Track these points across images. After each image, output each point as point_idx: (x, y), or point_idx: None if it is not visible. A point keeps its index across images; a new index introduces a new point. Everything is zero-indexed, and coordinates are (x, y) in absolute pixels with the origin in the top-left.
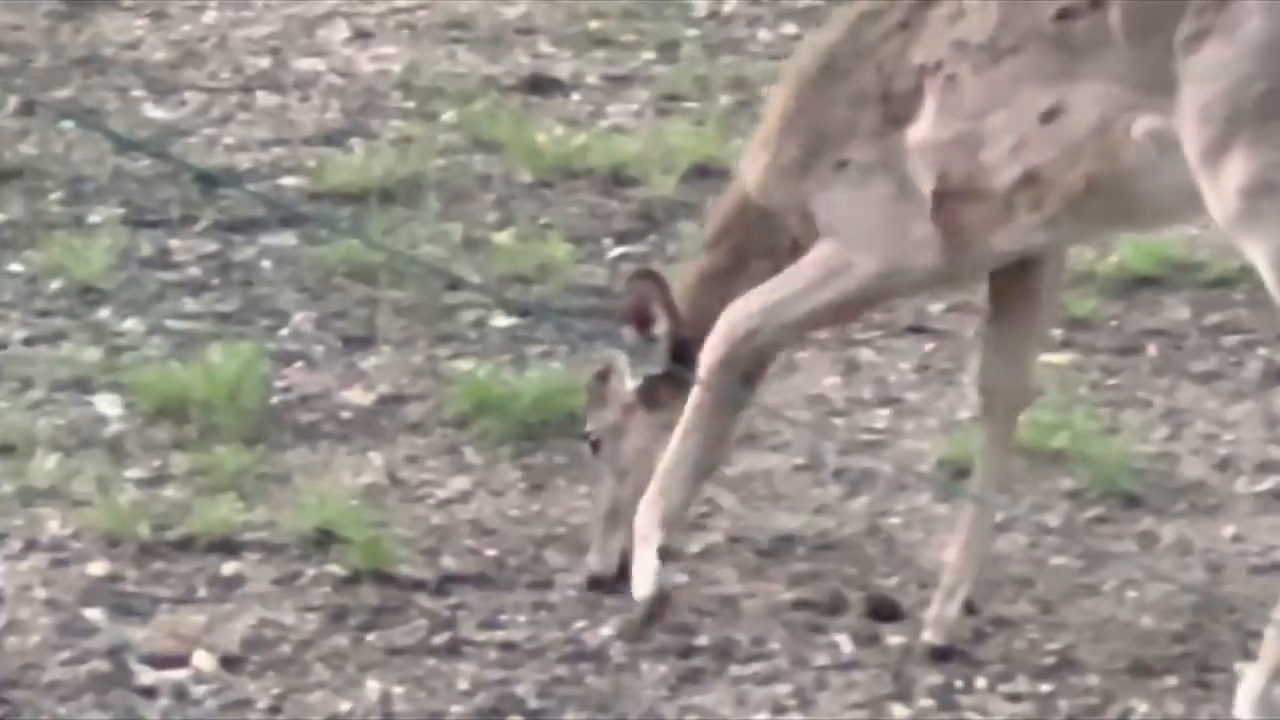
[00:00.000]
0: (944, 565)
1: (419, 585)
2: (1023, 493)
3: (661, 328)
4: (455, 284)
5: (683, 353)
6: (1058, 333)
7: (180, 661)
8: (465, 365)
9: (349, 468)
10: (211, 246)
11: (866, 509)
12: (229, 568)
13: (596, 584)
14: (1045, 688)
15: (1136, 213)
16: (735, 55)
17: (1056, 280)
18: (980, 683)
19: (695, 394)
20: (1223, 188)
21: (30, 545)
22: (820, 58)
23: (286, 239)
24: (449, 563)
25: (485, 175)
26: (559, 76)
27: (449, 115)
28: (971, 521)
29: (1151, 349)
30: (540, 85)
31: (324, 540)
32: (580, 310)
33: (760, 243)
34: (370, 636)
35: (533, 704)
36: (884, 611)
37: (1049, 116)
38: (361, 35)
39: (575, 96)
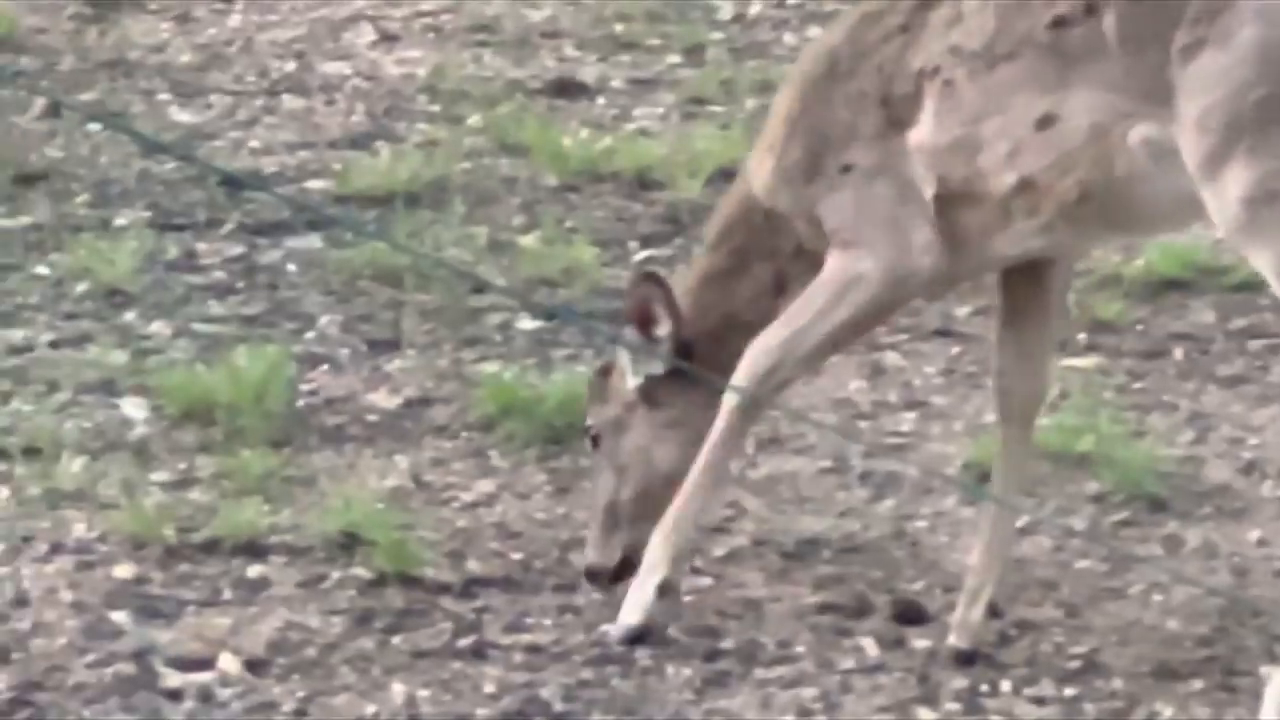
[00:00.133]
0: (967, 568)
1: (444, 588)
2: (1048, 496)
3: (664, 329)
4: (480, 287)
5: (684, 354)
6: (1083, 336)
7: (205, 664)
8: (490, 368)
9: (374, 471)
10: (237, 249)
11: (892, 512)
12: (254, 570)
13: (593, 576)
14: (1070, 691)
15: (1132, 219)
16: (760, 59)
17: (1065, 282)
18: (1005, 686)
19: (716, 430)
20: (1224, 197)
21: (56, 548)
22: (822, 60)
23: (312, 242)
24: (474, 566)
25: (511, 178)
26: (584, 80)
27: (474, 119)
28: (993, 523)
29: (1177, 352)
30: (566, 89)
31: (349, 543)
32: (605, 313)
33: (762, 245)
34: (395, 639)
35: (558, 707)
36: (909, 615)
37: (1044, 124)
38: (387, 38)
39: (601, 100)
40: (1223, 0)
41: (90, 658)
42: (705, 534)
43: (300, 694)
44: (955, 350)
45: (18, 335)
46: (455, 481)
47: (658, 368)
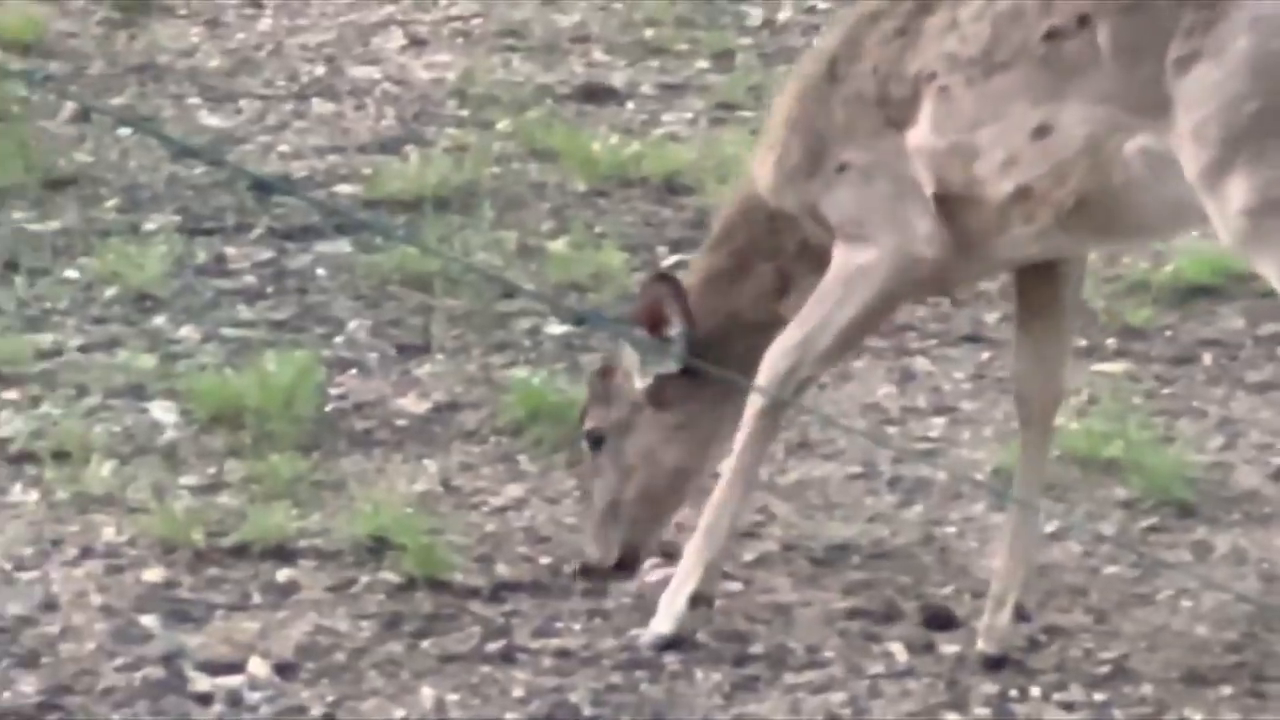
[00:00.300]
0: (993, 573)
1: (473, 592)
2: (1077, 501)
3: (675, 330)
4: (510, 292)
5: (693, 354)
6: (1112, 342)
7: (235, 668)
8: (520, 373)
9: (403, 475)
10: (266, 254)
11: (921, 518)
12: (284, 575)
13: (589, 573)
14: (1099, 697)
15: (1130, 227)
16: (789, 64)
17: (1077, 284)
18: (1035, 692)
19: (742, 437)
20: (1226, 208)
21: (86, 552)
22: (821, 61)
23: (341, 246)
24: (503, 570)
25: (540, 183)
26: (614, 85)
27: (504, 123)
28: (1016, 527)
29: (1206, 358)
30: (595, 94)
31: (378, 547)
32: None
33: (764, 245)
34: (424, 644)
35: (587, 711)
36: (939, 620)
37: (1040, 134)
38: (416, 43)
39: (630, 105)
40: (1216, 12)
41: (119, 661)
42: (735, 539)
43: (329, 698)
44: (984, 355)
45: (47, 339)
46: (484, 486)
47: (670, 367)
